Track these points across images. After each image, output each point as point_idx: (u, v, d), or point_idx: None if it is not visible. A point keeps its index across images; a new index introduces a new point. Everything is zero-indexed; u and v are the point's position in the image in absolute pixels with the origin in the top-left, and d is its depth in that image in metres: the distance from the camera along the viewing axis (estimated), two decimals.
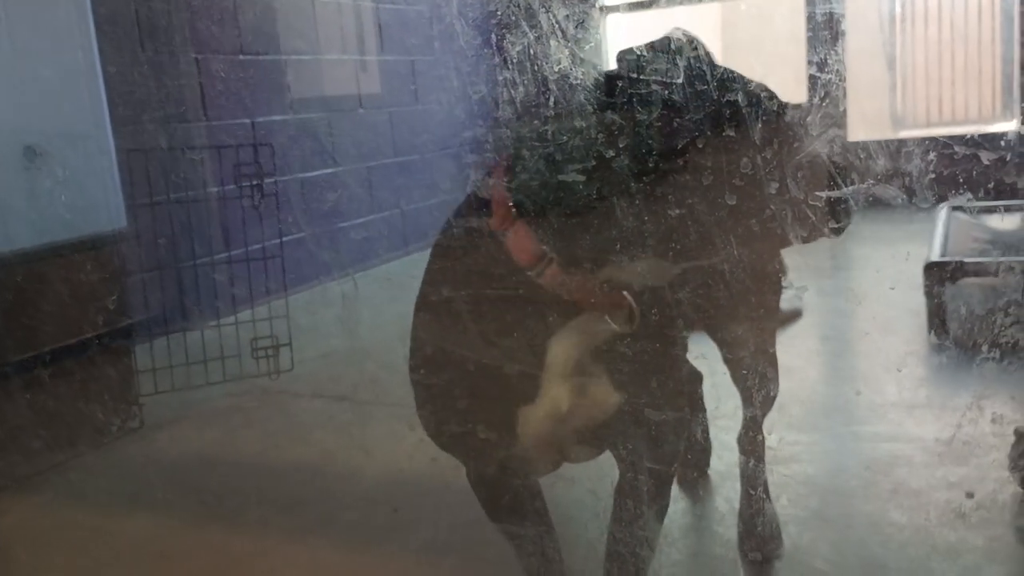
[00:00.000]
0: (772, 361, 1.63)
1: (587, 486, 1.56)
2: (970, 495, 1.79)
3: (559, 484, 1.45)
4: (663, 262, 1.15)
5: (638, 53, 1.09)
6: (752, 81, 1.13)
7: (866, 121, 5.09)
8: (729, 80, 1.11)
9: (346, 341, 3.23)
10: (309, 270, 3.83)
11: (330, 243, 4.10)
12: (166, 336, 2.88)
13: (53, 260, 2.37)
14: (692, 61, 1.08)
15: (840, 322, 3.04)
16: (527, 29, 1.03)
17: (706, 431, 1.82)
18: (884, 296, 2.88)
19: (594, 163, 1.08)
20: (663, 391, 1.28)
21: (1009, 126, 4.76)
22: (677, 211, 1.08)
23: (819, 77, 1.08)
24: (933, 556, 1.63)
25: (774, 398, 1.67)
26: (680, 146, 1.06)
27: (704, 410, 1.77)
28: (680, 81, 1.06)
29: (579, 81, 1.04)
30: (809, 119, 1.10)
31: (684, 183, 1.07)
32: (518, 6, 1.07)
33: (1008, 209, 3.30)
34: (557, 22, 1.04)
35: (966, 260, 2.65)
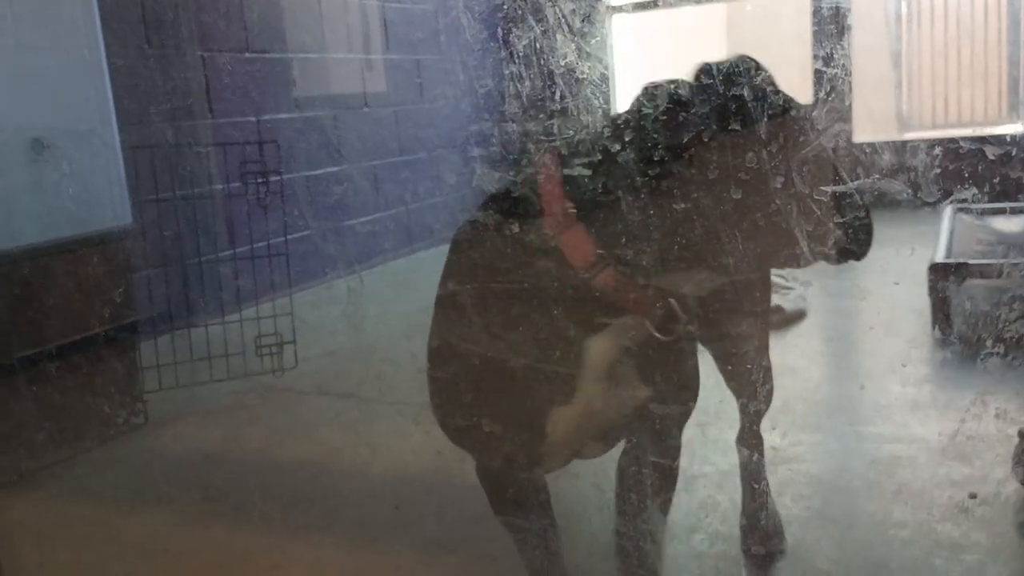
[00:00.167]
0: (767, 366, 1.65)
1: (592, 480, 1.57)
2: (973, 495, 1.79)
3: (561, 478, 1.46)
4: (710, 272, 1.17)
5: (717, 71, 1.13)
6: (803, 106, 1.17)
7: (872, 122, 5.08)
8: (788, 106, 1.15)
9: (351, 338, 3.23)
10: (314, 267, 3.83)
11: (335, 240, 4.11)
12: (171, 333, 2.88)
13: (59, 256, 2.38)
14: (760, 83, 1.12)
15: (844, 322, 3.04)
16: (533, 23, 1.03)
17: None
18: (889, 296, 2.88)
19: (657, 167, 1.10)
20: (678, 387, 1.31)
21: (1015, 128, 4.75)
22: (727, 225, 1.11)
23: (824, 72, 1.09)
24: (936, 555, 1.62)
25: (770, 400, 1.69)
26: (739, 163, 1.09)
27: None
28: (749, 101, 1.08)
29: (585, 75, 1.05)
30: (815, 114, 1.11)
31: (732, 199, 1.10)
32: (524, 0, 1.07)
33: (1013, 210, 3.29)
34: (563, 16, 1.04)
35: (971, 261, 2.65)
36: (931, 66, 5.46)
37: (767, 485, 1.72)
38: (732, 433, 1.74)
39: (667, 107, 1.10)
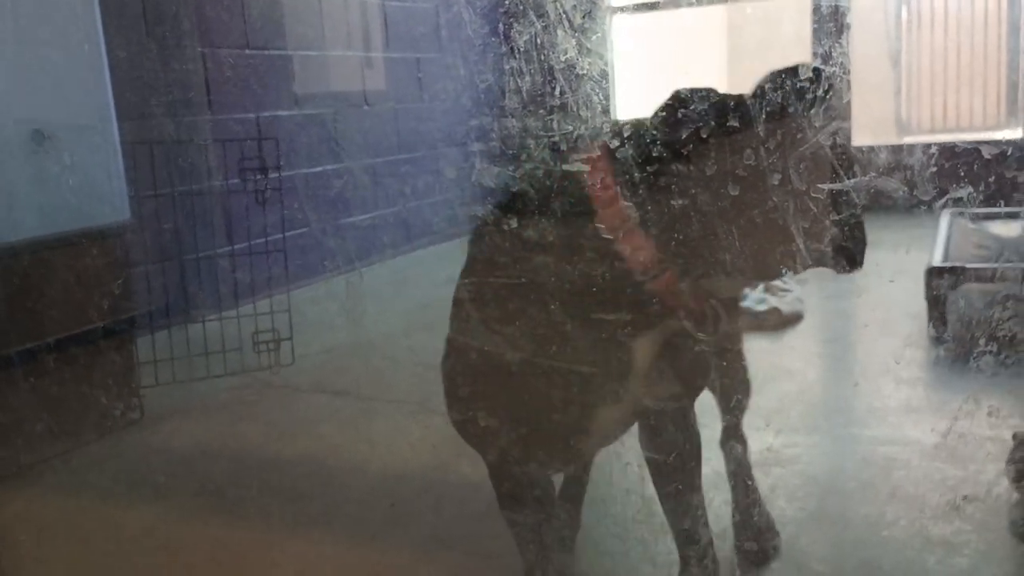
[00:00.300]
0: (746, 365, 1.68)
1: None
2: (967, 498, 1.79)
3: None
4: (743, 275, 1.22)
5: (784, 77, 1.15)
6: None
7: (872, 125, 5.09)
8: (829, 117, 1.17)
9: (349, 335, 3.24)
10: (312, 264, 3.83)
11: (334, 237, 4.11)
12: (168, 328, 2.88)
13: (57, 249, 2.38)
14: (823, 92, 1.15)
15: (840, 324, 3.05)
16: (534, 19, 1.04)
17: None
18: (884, 297, 2.90)
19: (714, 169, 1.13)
20: (701, 377, 1.37)
21: (1015, 133, 4.76)
22: (761, 230, 1.15)
23: (823, 70, 1.10)
24: (930, 558, 1.63)
25: (747, 403, 1.71)
26: (791, 167, 1.12)
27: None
28: (812, 108, 1.11)
29: (585, 71, 1.06)
30: (813, 111, 1.13)
31: (770, 206, 1.13)
32: None
33: (1010, 215, 3.30)
34: (564, 12, 1.04)
35: (967, 265, 2.66)
36: (930, 71, 5.47)
37: (755, 483, 1.73)
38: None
39: (718, 117, 1.12)
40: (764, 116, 1.12)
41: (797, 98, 1.12)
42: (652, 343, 1.22)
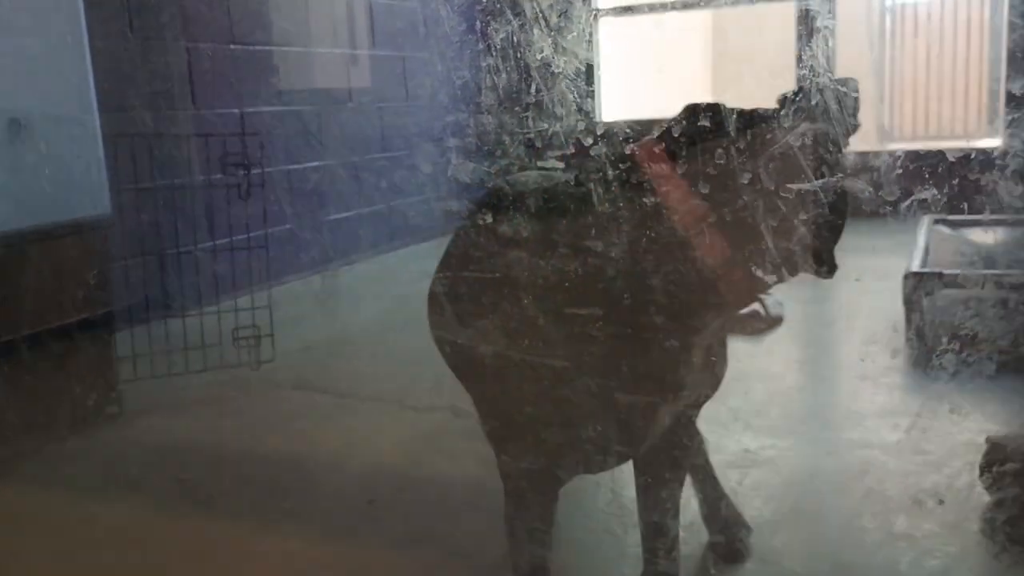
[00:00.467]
0: (717, 365, 1.70)
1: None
2: (941, 501, 1.81)
3: None
4: (778, 274, 1.25)
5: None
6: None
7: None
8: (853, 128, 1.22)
9: (329, 333, 3.23)
10: (294, 261, 3.82)
11: (316, 234, 4.10)
12: (147, 323, 2.87)
13: (35, 243, 2.36)
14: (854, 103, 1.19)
15: (818, 330, 3.07)
16: (511, 16, 1.04)
17: None
18: (861, 303, 2.93)
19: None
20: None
21: (994, 142, 4.81)
22: (791, 232, 1.19)
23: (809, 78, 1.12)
24: (902, 559, 1.65)
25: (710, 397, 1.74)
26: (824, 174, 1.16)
27: None
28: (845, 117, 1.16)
29: (560, 70, 1.07)
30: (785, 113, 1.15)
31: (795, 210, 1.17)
32: None
33: (988, 223, 3.34)
34: (540, 11, 1.05)
35: (945, 272, 2.69)
36: (913, 80, 5.53)
37: (716, 472, 1.75)
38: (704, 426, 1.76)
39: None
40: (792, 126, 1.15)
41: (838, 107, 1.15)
42: (710, 340, 1.26)
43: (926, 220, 3.28)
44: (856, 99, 1.20)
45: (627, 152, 1.21)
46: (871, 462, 2.02)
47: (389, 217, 4.57)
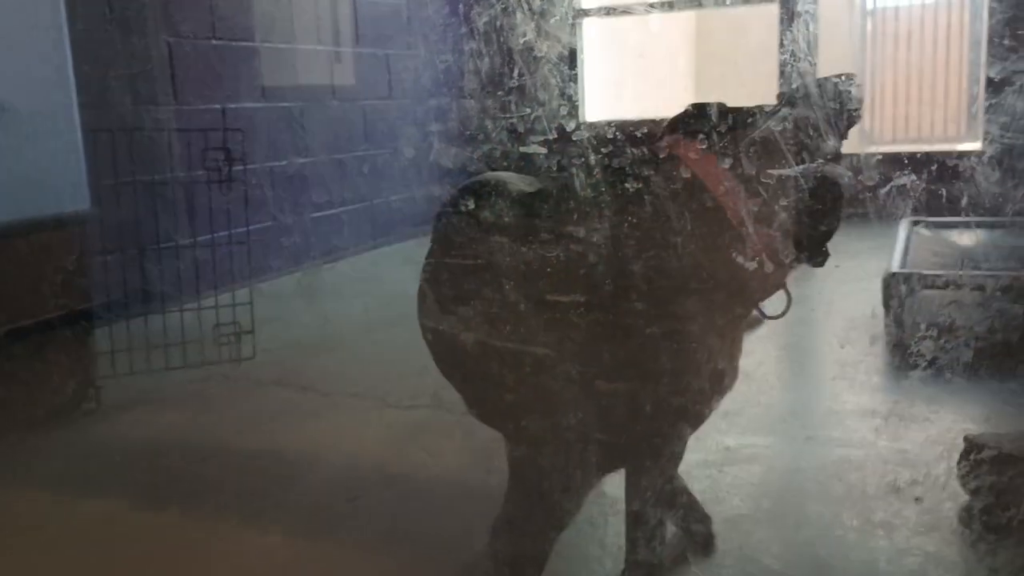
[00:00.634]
0: None
1: None
2: (918, 499, 1.83)
3: None
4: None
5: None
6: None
7: None
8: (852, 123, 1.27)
9: (311, 330, 3.22)
10: (276, 258, 3.81)
11: (298, 232, 4.08)
12: (126, 319, 2.84)
13: (13, 238, 2.34)
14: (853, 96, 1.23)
15: (800, 330, 3.08)
16: (494, 0, 1.04)
17: None
18: (842, 302, 2.94)
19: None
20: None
21: (974, 145, 4.85)
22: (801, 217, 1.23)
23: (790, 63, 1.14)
24: (880, 556, 1.66)
25: None
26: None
27: None
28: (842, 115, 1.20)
29: (543, 54, 1.07)
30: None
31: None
32: None
33: (968, 225, 3.37)
34: None
35: (925, 272, 2.71)
36: (894, 84, 5.57)
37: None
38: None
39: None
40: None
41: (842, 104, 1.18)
42: (742, 327, 1.32)
43: (905, 221, 3.31)
44: (854, 93, 1.22)
45: (660, 148, 1.22)
46: (851, 461, 2.03)
47: (372, 214, 4.55)
